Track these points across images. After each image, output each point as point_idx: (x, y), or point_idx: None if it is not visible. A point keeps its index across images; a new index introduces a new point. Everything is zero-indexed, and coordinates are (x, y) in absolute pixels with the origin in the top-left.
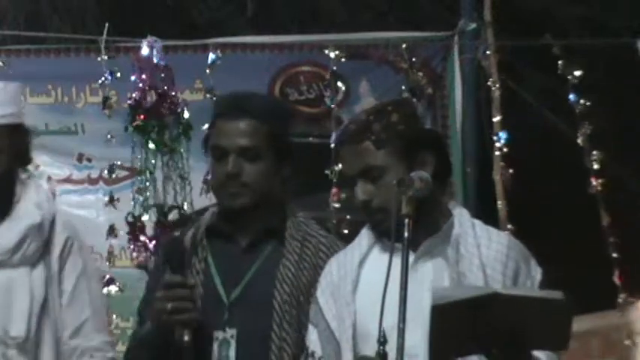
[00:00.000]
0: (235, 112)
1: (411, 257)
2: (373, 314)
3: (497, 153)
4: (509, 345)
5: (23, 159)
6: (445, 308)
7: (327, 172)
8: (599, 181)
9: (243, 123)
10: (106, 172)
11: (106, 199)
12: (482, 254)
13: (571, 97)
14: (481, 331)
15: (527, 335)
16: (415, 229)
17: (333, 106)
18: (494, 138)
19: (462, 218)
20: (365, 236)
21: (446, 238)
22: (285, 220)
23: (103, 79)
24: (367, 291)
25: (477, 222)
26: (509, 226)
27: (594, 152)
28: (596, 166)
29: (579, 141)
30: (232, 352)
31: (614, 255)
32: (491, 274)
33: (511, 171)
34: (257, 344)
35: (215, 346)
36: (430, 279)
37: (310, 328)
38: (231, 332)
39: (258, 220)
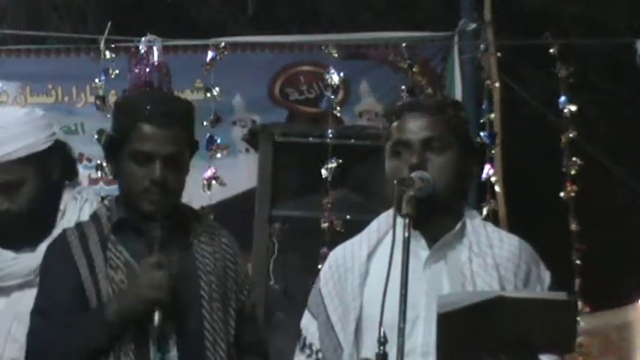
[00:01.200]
0: (160, 118)
1: (425, 254)
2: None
3: (493, 152)
4: (517, 350)
5: (67, 175)
6: (451, 315)
7: (323, 170)
8: (574, 187)
9: (169, 130)
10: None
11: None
12: (496, 254)
13: (562, 99)
14: (489, 337)
15: (534, 339)
16: (432, 227)
17: (331, 97)
18: (481, 135)
19: (473, 219)
20: (374, 229)
21: (459, 237)
22: (188, 215)
23: (101, 77)
24: (376, 284)
25: (488, 224)
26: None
27: (574, 158)
28: (573, 172)
29: (562, 144)
30: (174, 346)
31: (578, 262)
32: (504, 274)
33: (491, 169)
34: (193, 335)
35: (151, 340)
36: (444, 276)
37: (309, 317)
38: (169, 324)
39: (167, 218)
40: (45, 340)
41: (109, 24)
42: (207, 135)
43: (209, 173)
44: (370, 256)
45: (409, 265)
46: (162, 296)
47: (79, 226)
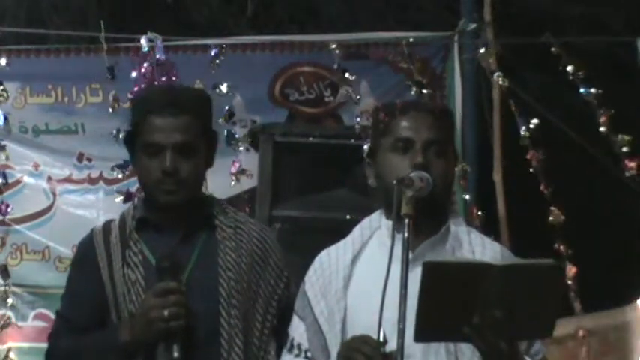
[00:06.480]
0: (169, 109)
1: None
2: (366, 310)
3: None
4: (498, 326)
5: None
6: (439, 267)
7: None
8: (633, 163)
9: (178, 119)
10: (112, 171)
11: (118, 198)
12: (477, 260)
13: (581, 90)
14: (472, 305)
15: (518, 311)
16: (416, 230)
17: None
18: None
19: (458, 225)
20: (358, 234)
21: (442, 242)
22: (212, 208)
23: (105, 76)
24: (360, 287)
25: (473, 230)
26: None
27: (620, 136)
28: (625, 149)
29: (601, 129)
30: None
31: None
32: None
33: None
34: (206, 333)
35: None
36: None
37: (296, 319)
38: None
39: (190, 213)
40: (61, 346)
41: (102, 22)
42: (225, 131)
43: (235, 167)
44: (354, 260)
45: (390, 270)
46: (176, 327)
47: (107, 224)
